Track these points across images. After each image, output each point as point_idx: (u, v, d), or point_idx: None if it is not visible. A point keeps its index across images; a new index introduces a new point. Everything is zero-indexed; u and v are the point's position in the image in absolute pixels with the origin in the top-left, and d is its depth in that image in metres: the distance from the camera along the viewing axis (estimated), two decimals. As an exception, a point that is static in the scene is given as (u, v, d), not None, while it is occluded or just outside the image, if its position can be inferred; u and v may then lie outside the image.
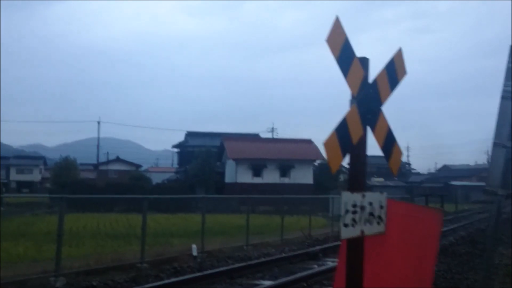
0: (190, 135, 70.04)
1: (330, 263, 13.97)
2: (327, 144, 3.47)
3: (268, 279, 11.41)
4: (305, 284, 10.69)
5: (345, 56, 3.71)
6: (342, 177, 67.64)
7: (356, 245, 3.83)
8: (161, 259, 13.27)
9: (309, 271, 11.99)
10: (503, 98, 7.12)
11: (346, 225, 3.66)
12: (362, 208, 3.81)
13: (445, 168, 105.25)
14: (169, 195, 28.96)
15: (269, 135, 73.83)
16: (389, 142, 4.22)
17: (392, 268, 4.15)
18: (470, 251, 16.18)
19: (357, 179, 3.88)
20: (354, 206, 3.73)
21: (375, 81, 3.97)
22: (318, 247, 16.41)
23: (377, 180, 76.19)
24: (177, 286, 9.90)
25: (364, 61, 3.93)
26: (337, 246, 17.49)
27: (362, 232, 3.81)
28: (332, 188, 50.05)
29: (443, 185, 75.52)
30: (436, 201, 43.69)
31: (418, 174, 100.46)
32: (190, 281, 10.34)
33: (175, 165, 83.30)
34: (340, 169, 67.06)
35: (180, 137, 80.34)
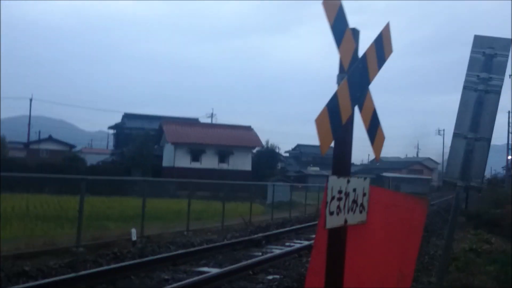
0: (127, 116, 68.20)
1: (274, 250, 13.75)
2: (318, 120, 3.08)
3: (213, 266, 11.01)
4: (251, 272, 10.36)
5: (339, 23, 3.33)
6: (280, 165, 68.07)
7: (338, 236, 3.47)
8: (98, 244, 12.56)
9: (255, 259, 11.66)
10: (466, 88, 6.99)
11: (331, 213, 3.29)
12: (347, 194, 3.45)
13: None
14: (105, 176, 27.73)
15: (208, 121, 73.04)
16: (374, 125, 3.91)
17: (372, 261, 3.81)
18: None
19: (344, 161, 3.52)
20: (340, 192, 3.37)
21: (364, 55, 3.61)
22: (260, 234, 16.15)
23: (312, 169, 77.32)
24: (118, 273, 9.28)
25: (355, 33, 3.56)
26: (279, 234, 17.34)
27: (346, 221, 3.46)
28: (269, 176, 50.05)
29: (375, 176, 77.45)
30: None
31: (352, 165, 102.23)
32: (131, 267, 9.75)
33: (111, 147, 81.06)
34: (278, 157, 67.60)
35: (116, 119, 78.15)
